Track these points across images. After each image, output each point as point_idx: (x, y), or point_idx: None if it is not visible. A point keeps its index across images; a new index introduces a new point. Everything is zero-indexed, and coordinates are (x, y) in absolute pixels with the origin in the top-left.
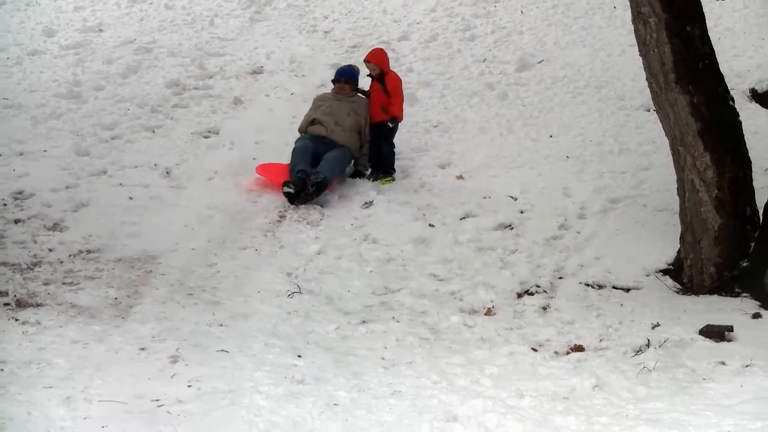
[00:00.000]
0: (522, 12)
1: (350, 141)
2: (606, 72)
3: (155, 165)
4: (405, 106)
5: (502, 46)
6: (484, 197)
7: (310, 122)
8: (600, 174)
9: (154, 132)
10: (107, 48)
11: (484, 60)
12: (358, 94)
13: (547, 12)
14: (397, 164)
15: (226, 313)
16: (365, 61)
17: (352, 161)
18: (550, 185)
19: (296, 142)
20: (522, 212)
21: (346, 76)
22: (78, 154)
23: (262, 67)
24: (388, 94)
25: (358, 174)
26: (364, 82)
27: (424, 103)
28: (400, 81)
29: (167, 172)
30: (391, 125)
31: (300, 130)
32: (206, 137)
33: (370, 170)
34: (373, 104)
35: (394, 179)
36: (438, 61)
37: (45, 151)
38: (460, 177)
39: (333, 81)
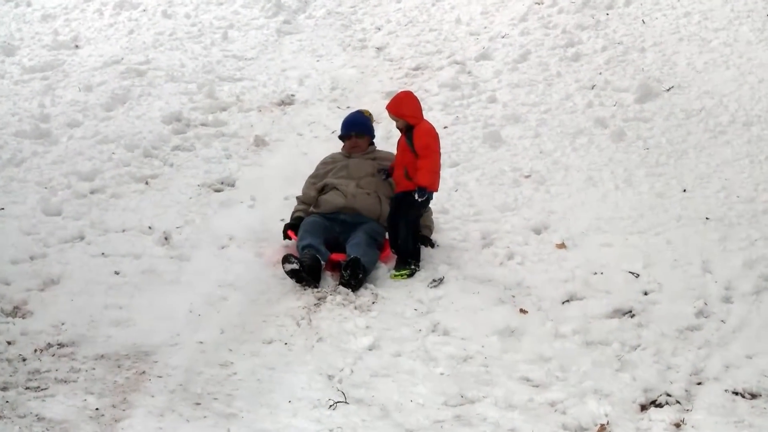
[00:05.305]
0: (644, 21)
1: (377, 209)
2: (757, 104)
3: (149, 228)
4: (485, 148)
5: (617, 68)
6: (595, 273)
7: (319, 190)
8: (751, 242)
9: (147, 184)
10: (85, 70)
11: (593, 87)
12: (378, 149)
13: (677, 22)
14: (476, 227)
15: (246, 429)
16: (387, 109)
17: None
18: (684, 257)
19: (303, 224)
20: (646, 294)
21: (357, 128)
22: (46, 213)
23: (293, 95)
24: (416, 153)
25: (424, 241)
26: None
27: (512, 145)
28: (434, 135)
29: (165, 238)
30: (418, 198)
31: (304, 202)
32: (218, 191)
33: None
34: (397, 166)
35: (410, 274)
36: (530, 89)
37: (2, 209)
38: (562, 245)
39: (341, 137)
